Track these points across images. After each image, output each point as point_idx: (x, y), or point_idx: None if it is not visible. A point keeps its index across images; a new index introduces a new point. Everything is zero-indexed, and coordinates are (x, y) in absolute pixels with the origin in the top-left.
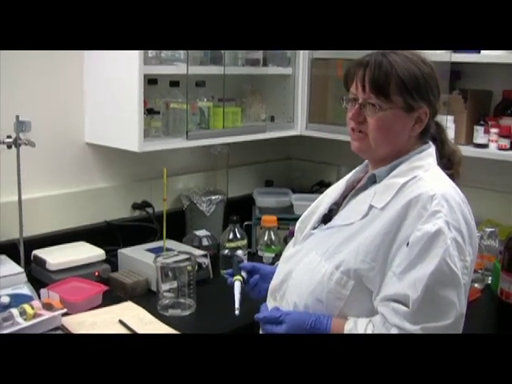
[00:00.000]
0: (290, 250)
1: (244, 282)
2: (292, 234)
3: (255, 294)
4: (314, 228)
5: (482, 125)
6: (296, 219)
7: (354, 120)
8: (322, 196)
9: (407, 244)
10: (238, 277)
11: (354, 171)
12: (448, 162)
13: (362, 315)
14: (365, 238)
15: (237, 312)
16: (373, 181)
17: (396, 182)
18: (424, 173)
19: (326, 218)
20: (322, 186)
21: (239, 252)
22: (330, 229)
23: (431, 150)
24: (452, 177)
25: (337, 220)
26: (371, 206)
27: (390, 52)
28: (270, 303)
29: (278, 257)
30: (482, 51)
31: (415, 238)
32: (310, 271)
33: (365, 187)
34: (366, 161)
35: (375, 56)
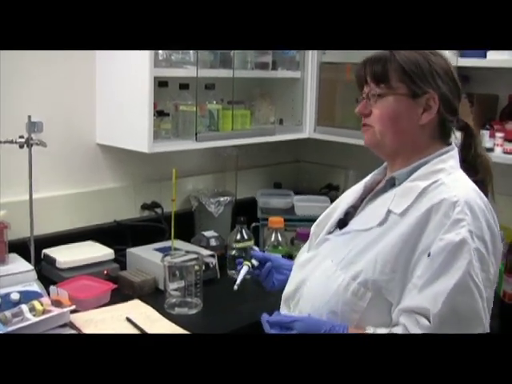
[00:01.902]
0: (304, 256)
1: (253, 268)
2: (300, 236)
3: (269, 285)
4: (330, 233)
5: (487, 129)
6: (302, 220)
7: (361, 112)
8: (339, 199)
9: (428, 254)
10: (247, 262)
11: (372, 173)
12: (470, 168)
13: None
14: (383, 246)
15: (235, 287)
16: (392, 183)
17: (416, 185)
18: (446, 177)
19: (342, 223)
20: (330, 189)
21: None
22: (345, 234)
23: (453, 153)
24: (478, 184)
25: (353, 225)
26: (389, 211)
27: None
28: (284, 311)
29: (284, 258)
30: (488, 56)
31: (437, 248)
32: (324, 281)
33: (384, 190)
34: (385, 163)
35: (378, 51)
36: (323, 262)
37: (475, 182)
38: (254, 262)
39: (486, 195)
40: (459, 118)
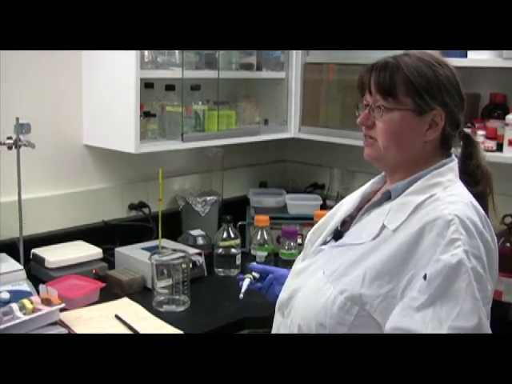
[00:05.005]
0: (299, 264)
1: (255, 280)
2: (285, 234)
3: (272, 297)
4: (325, 242)
5: (469, 127)
6: (287, 218)
7: (363, 124)
8: (336, 206)
9: (425, 276)
10: (248, 275)
11: (371, 182)
12: (470, 179)
13: None
14: (373, 262)
15: (241, 296)
16: (388, 196)
17: (411, 200)
18: (442, 191)
19: (337, 235)
20: (315, 188)
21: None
22: (340, 247)
23: (453, 165)
24: (478, 196)
25: (347, 238)
26: (384, 226)
27: (403, 54)
28: (278, 318)
29: (270, 256)
30: (469, 56)
31: (435, 270)
32: (314, 293)
33: (379, 203)
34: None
35: (384, 58)
36: (316, 273)
37: (475, 194)
38: (255, 274)
39: (486, 208)
40: (461, 129)
